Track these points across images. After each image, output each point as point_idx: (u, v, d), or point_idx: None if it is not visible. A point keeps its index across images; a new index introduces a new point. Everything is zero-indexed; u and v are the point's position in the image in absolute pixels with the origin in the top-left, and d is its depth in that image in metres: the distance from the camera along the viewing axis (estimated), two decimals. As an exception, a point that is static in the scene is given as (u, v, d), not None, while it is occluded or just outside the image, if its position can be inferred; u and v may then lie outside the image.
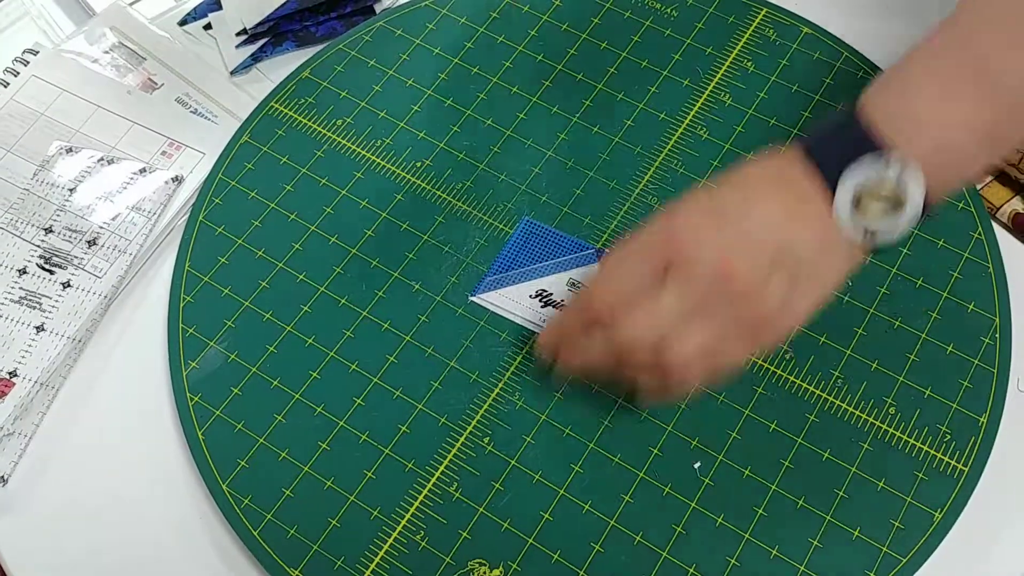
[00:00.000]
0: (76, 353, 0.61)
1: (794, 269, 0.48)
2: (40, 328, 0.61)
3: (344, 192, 0.65)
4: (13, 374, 0.60)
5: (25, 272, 0.63)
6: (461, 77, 0.70)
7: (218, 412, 0.58)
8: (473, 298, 0.61)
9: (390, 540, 0.54)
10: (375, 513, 0.55)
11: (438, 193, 0.65)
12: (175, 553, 0.56)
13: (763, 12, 0.72)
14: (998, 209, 0.64)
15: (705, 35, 0.71)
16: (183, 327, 0.61)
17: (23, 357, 0.60)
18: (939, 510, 0.54)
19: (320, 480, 0.56)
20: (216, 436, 0.57)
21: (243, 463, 0.57)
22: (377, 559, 0.54)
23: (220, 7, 0.74)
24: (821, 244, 0.48)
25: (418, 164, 0.66)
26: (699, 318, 0.48)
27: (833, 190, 0.47)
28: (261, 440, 0.57)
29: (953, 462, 0.56)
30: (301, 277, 0.62)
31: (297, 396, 0.59)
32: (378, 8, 0.75)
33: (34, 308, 0.61)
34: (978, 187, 0.65)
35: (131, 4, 0.75)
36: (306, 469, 0.56)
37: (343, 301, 0.61)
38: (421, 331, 0.60)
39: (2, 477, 0.57)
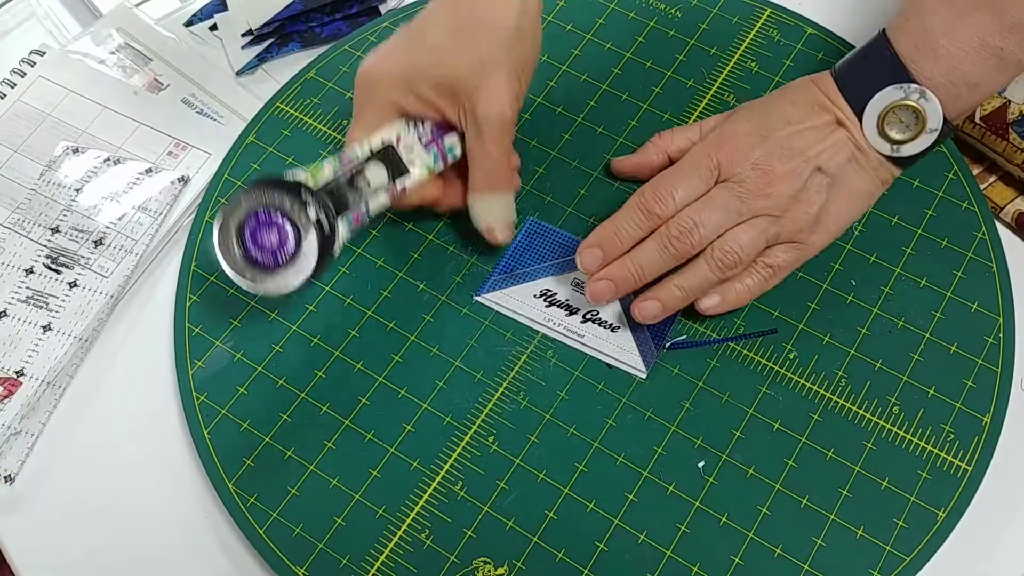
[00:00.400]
0: (83, 352, 0.62)
1: (831, 181, 0.57)
2: (47, 327, 0.61)
3: (349, 192, 0.66)
4: (20, 373, 0.60)
5: (32, 272, 0.63)
6: (466, 78, 0.70)
7: (224, 411, 0.58)
8: (478, 298, 0.62)
9: (395, 538, 0.55)
10: (380, 512, 0.55)
11: (443, 193, 0.65)
12: (181, 552, 0.56)
13: (767, 12, 0.72)
14: (1002, 209, 0.65)
15: (709, 36, 0.71)
16: (189, 326, 0.61)
17: (30, 356, 0.61)
18: (942, 509, 0.54)
19: (325, 479, 0.56)
20: (222, 435, 0.58)
21: (249, 462, 0.57)
22: (382, 557, 0.54)
23: (226, 8, 0.75)
24: (852, 161, 0.57)
25: (423, 164, 0.67)
26: (746, 217, 0.56)
27: (861, 114, 0.56)
28: (267, 439, 0.58)
29: (957, 461, 0.56)
30: (306, 277, 0.63)
31: (303, 395, 0.59)
32: (383, 9, 0.75)
33: (41, 308, 0.62)
34: (982, 187, 0.65)
35: (137, 5, 0.76)
36: (311, 468, 0.57)
37: (348, 301, 0.62)
38: (426, 331, 0.61)
39: (9, 476, 0.58)
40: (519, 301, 0.61)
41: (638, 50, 0.71)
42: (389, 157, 0.57)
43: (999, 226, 0.64)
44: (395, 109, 0.58)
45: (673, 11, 0.73)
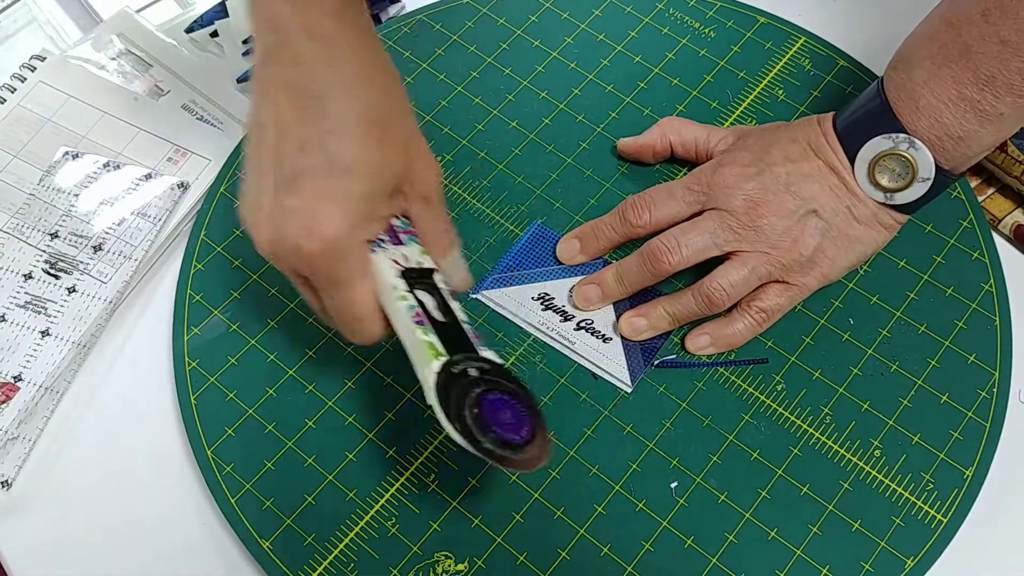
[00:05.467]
0: (81, 358, 0.62)
1: (826, 226, 0.57)
2: (45, 333, 0.62)
3: (363, 178, 0.66)
4: (18, 378, 0.60)
5: (31, 277, 0.63)
6: (492, 77, 0.71)
7: (213, 379, 0.59)
8: (475, 295, 0.62)
9: (361, 523, 0.55)
10: (351, 495, 0.56)
11: (454, 189, 0.66)
12: (182, 553, 0.56)
13: (801, 40, 0.72)
14: (1000, 221, 0.64)
15: (740, 59, 0.71)
16: (191, 292, 0.62)
17: (28, 362, 0.61)
18: (912, 558, 0.54)
19: (302, 456, 0.57)
20: (208, 402, 0.59)
21: (230, 431, 0.58)
22: (346, 540, 0.55)
23: (227, 15, 0.74)
24: (848, 208, 0.57)
25: (438, 158, 0.67)
26: (733, 247, 0.57)
27: (854, 160, 0.56)
28: (250, 411, 0.58)
29: (932, 511, 0.55)
30: (310, 257, 0.63)
31: (291, 372, 0.60)
32: (383, 16, 0.75)
33: (39, 313, 0.62)
34: (980, 199, 0.65)
35: (138, 11, 0.75)
36: (289, 444, 0.57)
37: (348, 284, 0.62)
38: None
39: (5, 481, 0.58)
40: (516, 302, 0.62)
41: (666, 66, 0.71)
42: (413, 277, 0.51)
43: (998, 240, 0.63)
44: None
45: (707, 31, 0.72)
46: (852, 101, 0.58)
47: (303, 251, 0.46)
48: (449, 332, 0.49)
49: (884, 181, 0.56)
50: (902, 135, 0.54)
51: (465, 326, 0.51)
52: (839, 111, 0.59)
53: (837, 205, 0.57)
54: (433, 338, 0.48)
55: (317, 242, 0.46)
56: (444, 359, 0.47)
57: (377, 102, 0.47)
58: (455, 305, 0.51)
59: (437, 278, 0.52)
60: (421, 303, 0.50)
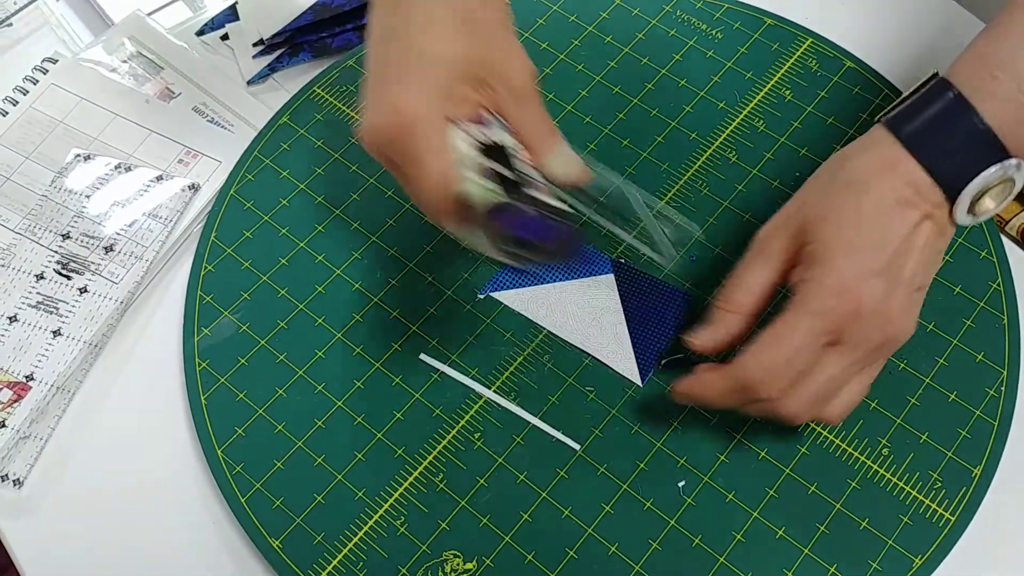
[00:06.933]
0: (92, 358, 0.62)
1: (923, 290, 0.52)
2: (57, 333, 0.62)
3: (372, 180, 0.67)
4: (30, 378, 0.61)
5: (43, 277, 0.64)
6: (500, 79, 0.71)
7: (223, 379, 0.60)
8: (482, 295, 0.62)
9: (371, 522, 0.56)
10: (360, 494, 0.56)
11: (462, 190, 0.66)
12: (189, 554, 0.57)
13: (808, 42, 0.72)
14: (1007, 223, 0.64)
15: (747, 59, 0.71)
16: (201, 294, 0.63)
17: (40, 361, 0.61)
18: (920, 556, 0.54)
19: (311, 456, 0.57)
20: (218, 402, 0.59)
21: (240, 431, 0.58)
22: (356, 539, 0.55)
23: (237, 18, 0.75)
24: (939, 252, 0.52)
25: (446, 160, 0.67)
26: (857, 375, 0.52)
27: (955, 197, 0.50)
28: (260, 411, 0.59)
29: (940, 510, 0.55)
30: (320, 258, 0.64)
31: (300, 373, 0.60)
32: None
33: (51, 313, 0.62)
34: None
35: (149, 14, 0.76)
36: (299, 444, 0.58)
37: (357, 286, 0.63)
38: (428, 323, 0.61)
39: (18, 480, 0.58)
40: (525, 301, 0.62)
41: (674, 67, 0.71)
42: (491, 150, 0.52)
43: (1007, 243, 0.63)
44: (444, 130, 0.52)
45: (714, 32, 0.73)
46: (926, 125, 0.50)
47: (385, 131, 0.49)
48: (512, 187, 0.51)
49: (991, 206, 0.51)
50: (1011, 160, 0.49)
51: (536, 189, 0.51)
52: (912, 142, 0.50)
53: (936, 259, 0.52)
54: (494, 186, 0.51)
55: (394, 117, 0.49)
56: (499, 200, 0.50)
57: (464, 3, 0.51)
58: (550, 188, 0.53)
59: (517, 160, 0.53)
60: (492, 169, 0.51)
